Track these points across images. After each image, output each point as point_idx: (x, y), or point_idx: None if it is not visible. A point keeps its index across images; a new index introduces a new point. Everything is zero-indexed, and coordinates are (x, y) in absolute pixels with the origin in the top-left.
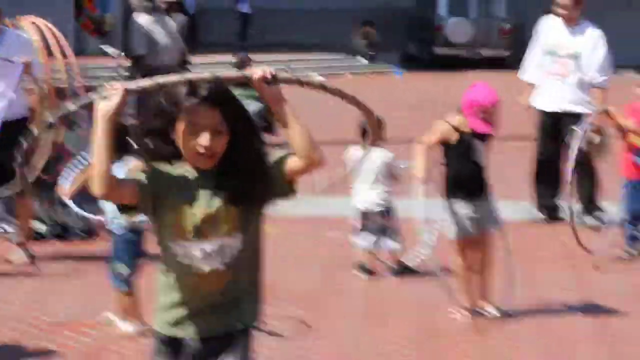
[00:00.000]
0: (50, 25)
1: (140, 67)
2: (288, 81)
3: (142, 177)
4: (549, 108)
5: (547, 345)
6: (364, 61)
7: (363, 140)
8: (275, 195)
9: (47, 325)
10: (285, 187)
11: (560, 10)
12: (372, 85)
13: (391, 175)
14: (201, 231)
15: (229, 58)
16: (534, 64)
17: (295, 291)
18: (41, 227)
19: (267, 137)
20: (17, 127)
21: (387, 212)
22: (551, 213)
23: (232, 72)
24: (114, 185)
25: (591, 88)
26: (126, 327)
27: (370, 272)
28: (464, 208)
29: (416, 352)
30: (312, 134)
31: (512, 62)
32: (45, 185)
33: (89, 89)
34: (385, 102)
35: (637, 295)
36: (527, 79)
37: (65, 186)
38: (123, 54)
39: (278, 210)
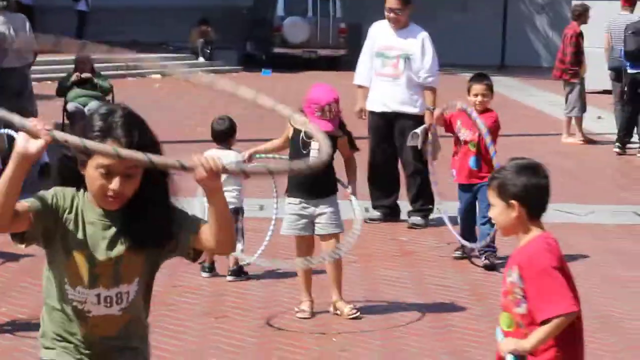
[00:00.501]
0: None
1: None
2: (234, 173)
3: (39, 204)
4: (381, 109)
5: (387, 340)
6: (202, 60)
7: (218, 142)
8: (177, 254)
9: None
10: (190, 253)
11: (389, 14)
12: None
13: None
14: (98, 279)
15: (69, 56)
16: (365, 68)
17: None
18: None
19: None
20: None
21: (236, 211)
22: (387, 212)
23: (169, 160)
24: (13, 219)
25: (423, 89)
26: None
27: (212, 270)
28: (295, 206)
29: (257, 347)
30: (163, 134)
31: (347, 61)
32: None
33: None
34: (225, 100)
35: (473, 290)
36: (358, 83)
37: None
38: None
39: None
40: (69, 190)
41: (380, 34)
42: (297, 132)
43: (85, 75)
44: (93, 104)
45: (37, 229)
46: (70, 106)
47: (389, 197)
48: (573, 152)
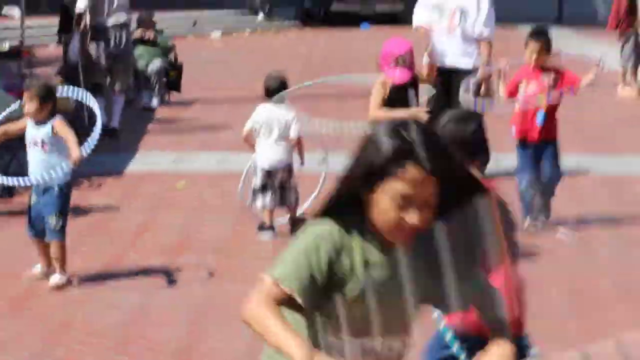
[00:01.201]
0: None
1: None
2: None
3: (304, 283)
4: (440, 63)
5: None
6: (261, 17)
7: (266, 98)
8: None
9: None
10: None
11: None
12: (270, 42)
13: (290, 134)
14: (368, 327)
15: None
16: (423, 12)
17: (208, 241)
18: None
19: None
20: None
21: (288, 169)
22: None
23: None
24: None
25: (479, 41)
26: (56, 279)
27: (271, 229)
28: None
29: None
30: (220, 93)
31: (405, 16)
32: None
33: None
34: (284, 59)
35: None
36: (417, 23)
37: None
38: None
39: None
40: (331, 230)
41: None
42: None
43: (149, 34)
44: (155, 63)
45: (308, 300)
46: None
47: None
48: (629, 103)
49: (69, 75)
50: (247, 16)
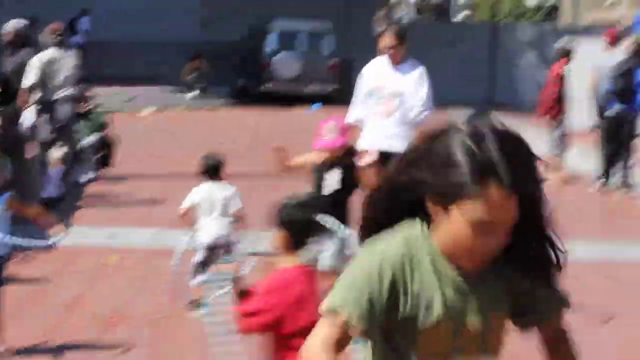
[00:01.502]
0: None
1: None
2: None
3: (365, 314)
4: (374, 147)
5: None
6: (194, 95)
7: (206, 176)
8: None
9: None
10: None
11: (384, 50)
12: (202, 119)
13: (231, 209)
14: (462, 351)
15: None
16: (359, 105)
17: (142, 316)
18: None
19: (102, 170)
20: None
21: (229, 245)
22: None
23: None
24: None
25: (415, 125)
26: None
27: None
28: None
29: None
30: (153, 169)
31: (338, 97)
32: None
33: None
34: (216, 136)
35: None
36: (351, 120)
37: None
38: None
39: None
40: (395, 252)
41: (374, 72)
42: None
43: (82, 107)
44: (90, 137)
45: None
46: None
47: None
48: (556, 188)
49: (9, 148)
50: (181, 94)
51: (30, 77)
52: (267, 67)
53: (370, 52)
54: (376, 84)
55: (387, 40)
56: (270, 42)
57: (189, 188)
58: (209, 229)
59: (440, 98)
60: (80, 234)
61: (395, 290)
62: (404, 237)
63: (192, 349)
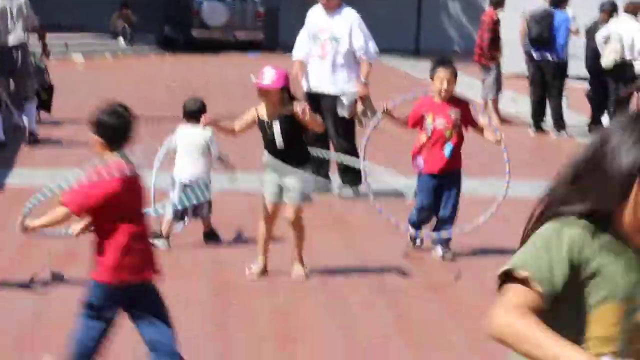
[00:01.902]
0: None
1: None
2: None
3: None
4: (311, 89)
5: (329, 300)
6: (123, 43)
7: (186, 119)
8: None
9: None
10: None
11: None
12: (132, 66)
13: (209, 152)
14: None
15: None
16: (302, 45)
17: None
18: None
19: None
20: None
21: (205, 185)
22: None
23: None
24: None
25: (360, 62)
26: None
27: (167, 241)
28: (268, 177)
29: (211, 303)
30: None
31: (265, 44)
32: None
33: None
34: (146, 83)
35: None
36: (294, 57)
37: None
38: None
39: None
40: (574, 228)
41: (313, 17)
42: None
43: None
44: None
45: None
46: None
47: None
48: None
49: None
50: (109, 41)
51: None
52: (194, 15)
53: (295, 2)
54: (316, 28)
55: None
56: None
57: None
58: (186, 168)
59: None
60: (26, 176)
61: (572, 263)
62: (583, 218)
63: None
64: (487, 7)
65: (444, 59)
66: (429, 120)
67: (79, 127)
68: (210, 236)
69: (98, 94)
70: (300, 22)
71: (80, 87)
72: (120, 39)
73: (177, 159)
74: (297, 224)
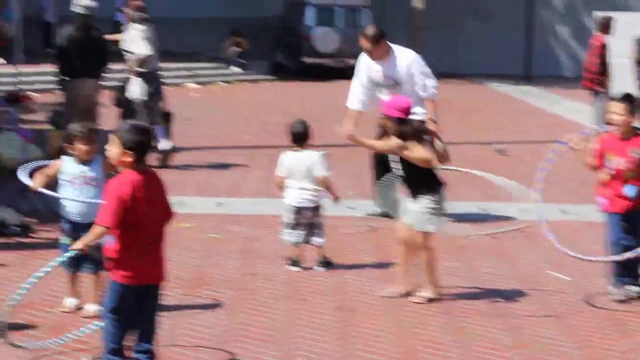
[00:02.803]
0: None
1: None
2: None
3: None
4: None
5: (449, 319)
6: (237, 69)
7: (294, 144)
8: None
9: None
10: None
11: (365, 52)
12: (246, 92)
13: (317, 172)
14: None
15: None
16: (357, 94)
17: (223, 278)
18: None
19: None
20: None
21: (316, 208)
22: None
23: None
24: None
25: (425, 102)
26: (91, 308)
27: (299, 264)
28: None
29: (337, 324)
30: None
31: None
32: None
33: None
34: (260, 109)
35: (522, 280)
36: (350, 107)
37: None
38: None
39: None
40: None
41: (367, 66)
42: None
43: None
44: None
45: None
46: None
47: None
48: None
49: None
50: (221, 68)
51: (142, 49)
52: (306, 42)
53: (405, 26)
54: (372, 76)
55: (362, 42)
56: (309, 17)
57: (246, 157)
58: (298, 192)
59: (478, 71)
60: None
61: None
62: None
63: (277, 306)
64: (595, 32)
65: (624, 94)
66: (609, 160)
67: (201, 153)
68: (325, 264)
69: (215, 120)
70: (409, 47)
71: (198, 113)
72: (234, 66)
73: (287, 185)
74: (425, 249)
